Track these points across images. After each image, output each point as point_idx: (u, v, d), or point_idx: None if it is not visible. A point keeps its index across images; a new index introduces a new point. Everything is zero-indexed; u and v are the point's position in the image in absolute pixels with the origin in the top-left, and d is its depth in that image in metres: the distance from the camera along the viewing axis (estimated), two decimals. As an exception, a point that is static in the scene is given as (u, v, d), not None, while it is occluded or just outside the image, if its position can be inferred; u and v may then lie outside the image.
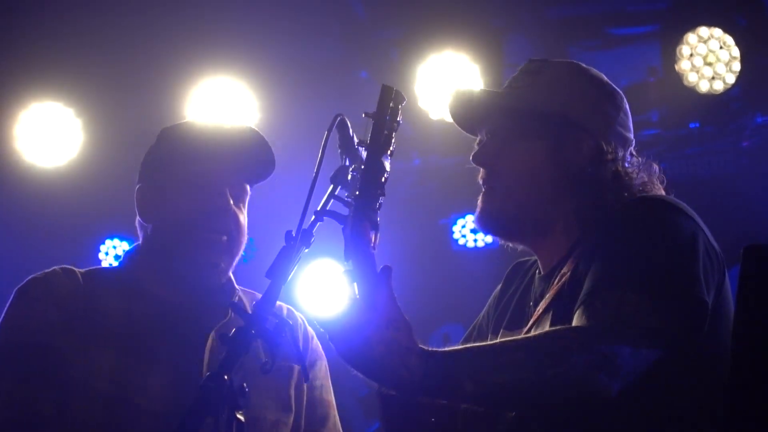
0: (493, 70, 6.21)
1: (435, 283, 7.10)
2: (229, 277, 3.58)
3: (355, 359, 2.50)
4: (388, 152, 2.65)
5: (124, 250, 3.68)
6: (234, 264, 3.55)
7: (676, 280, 2.71)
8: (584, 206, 3.04)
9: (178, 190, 3.49)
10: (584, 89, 3.16)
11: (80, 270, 3.53)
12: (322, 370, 3.68)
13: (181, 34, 6.51)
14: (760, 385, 2.14)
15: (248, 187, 3.56)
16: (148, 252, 3.57)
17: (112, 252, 7.45)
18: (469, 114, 3.24)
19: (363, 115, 2.68)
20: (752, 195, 6.68)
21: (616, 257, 2.76)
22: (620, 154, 3.08)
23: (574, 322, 2.70)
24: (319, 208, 2.78)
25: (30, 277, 3.50)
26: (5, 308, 3.44)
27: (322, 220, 2.76)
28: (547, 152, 3.07)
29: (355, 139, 2.87)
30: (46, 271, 3.53)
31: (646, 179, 3.09)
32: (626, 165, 3.09)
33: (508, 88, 3.22)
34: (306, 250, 2.79)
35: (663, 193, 3.11)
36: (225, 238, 3.44)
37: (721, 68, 6.07)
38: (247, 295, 3.65)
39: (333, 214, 2.71)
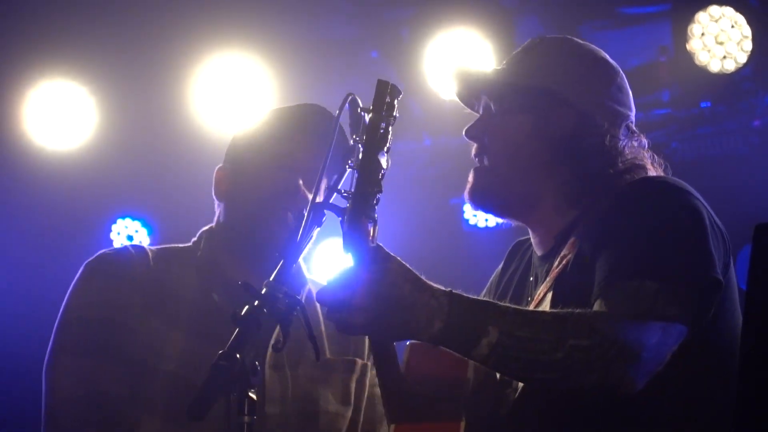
0: (505, 49, 6.19)
1: (446, 263, 7.07)
2: (298, 265, 3.56)
3: (384, 304, 2.51)
4: (385, 148, 2.64)
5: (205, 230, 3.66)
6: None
7: (690, 262, 2.71)
8: (569, 180, 3.05)
9: (255, 169, 3.54)
10: (572, 63, 3.17)
11: (151, 248, 3.56)
12: None
13: (194, 11, 6.51)
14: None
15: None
16: (221, 231, 3.59)
17: (124, 232, 7.46)
18: (467, 91, 3.28)
19: (358, 110, 2.67)
20: (763, 174, 6.67)
21: (627, 243, 2.75)
22: (606, 127, 3.07)
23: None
24: (320, 199, 2.80)
25: (101, 252, 3.53)
26: (74, 283, 3.45)
27: (323, 214, 2.76)
28: (531, 126, 3.10)
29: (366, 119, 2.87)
30: (117, 247, 3.59)
31: (635, 155, 3.08)
32: (617, 139, 3.08)
33: (504, 65, 3.25)
34: (318, 229, 2.80)
35: (652, 167, 3.10)
36: (291, 215, 3.43)
37: (732, 47, 6.06)
38: (315, 286, 3.65)
39: (332, 207, 2.71)
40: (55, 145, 6.90)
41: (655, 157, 3.14)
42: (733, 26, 6.05)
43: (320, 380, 3.49)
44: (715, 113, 6.74)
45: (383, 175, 2.62)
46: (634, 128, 3.15)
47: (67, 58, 6.74)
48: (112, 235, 7.46)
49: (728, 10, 6.05)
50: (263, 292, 2.62)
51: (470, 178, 3.18)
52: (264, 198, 3.46)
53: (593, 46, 3.25)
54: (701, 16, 6.06)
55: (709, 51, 6.07)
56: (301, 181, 3.46)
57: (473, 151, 3.19)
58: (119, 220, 7.48)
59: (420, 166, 7.39)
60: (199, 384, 3.06)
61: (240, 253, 3.51)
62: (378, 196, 2.62)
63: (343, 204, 2.67)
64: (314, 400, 3.47)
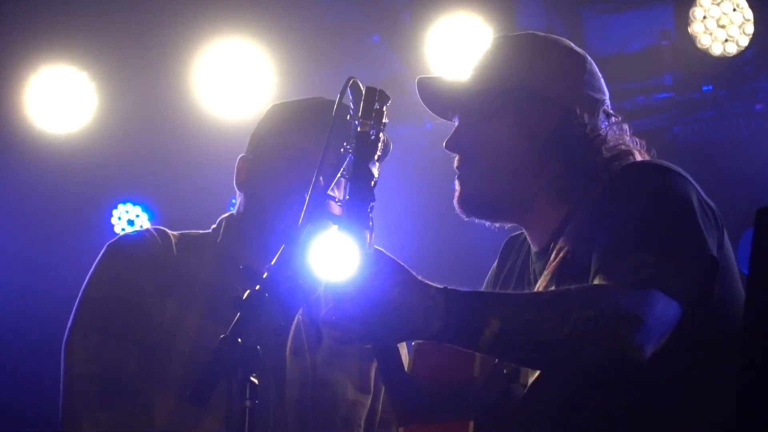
0: (506, 33, 6.18)
1: (448, 247, 7.09)
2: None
3: (377, 309, 2.49)
4: (375, 157, 2.62)
5: (227, 215, 3.68)
6: None
7: (685, 241, 2.72)
8: (558, 175, 3.04)
9: (274, 162, 3.55)
10: (543, 58, 3.15)
11: (173, 233, 3.58)
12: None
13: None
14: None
15: None
16: (240, 220, 3.62)
17: (125, 217, 7.47)
18: (440, 107, 3.27)
19: (348, 117, 2.65)
20: (765, 158, 6.66)
21: (624, 223, 2.75)
22: (588, 117, 3.06)
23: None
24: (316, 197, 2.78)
25: (122, 235, 3.62)
26: (95, 263, 3.49)
27: (315, 220, 2.74)
28: (514, 127, 3.08)
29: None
30: (138, 230, 3.65)
31: (618, 140, 3.07)
32: (599, 128, 3.07)
33: (472, 71, 3.21)
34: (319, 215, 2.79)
35: (637, 151, 3.09)
36: None
37: (734, 30, 6.04)
38: None
39: (328, 215, 2.69)
40: (57, 130, 6.90)
41: (637, 139, 3.13)
42: (735, 9, 6.04)
43: (339, 367, 3.51)
44: (717, 97, 6.72)
45: (375, 183, 2.60)
46: (611, 111, 3.14)
47: (68, 43, 6.75)
48: (113, 220, 7.46)
49: (730, -7, 6.05)
50: (264, 276, 2.62)
51: (456, 186, 3.18)
52: (282, 192, 3.47)
53: (555, 37, 3.24)
54: (703, 0, 6.05)
55: (710, 34, 6.05)
56: (321, 177, 3.48)
57: (455, 163, 3.19)
58: (120, 205, 7.48)
59: (421, 150, 7.37)
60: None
61: (256, 244, 3.52)
62: (371, 204, 2.60)
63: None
64: (333, 386, 3.49)
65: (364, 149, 2.60)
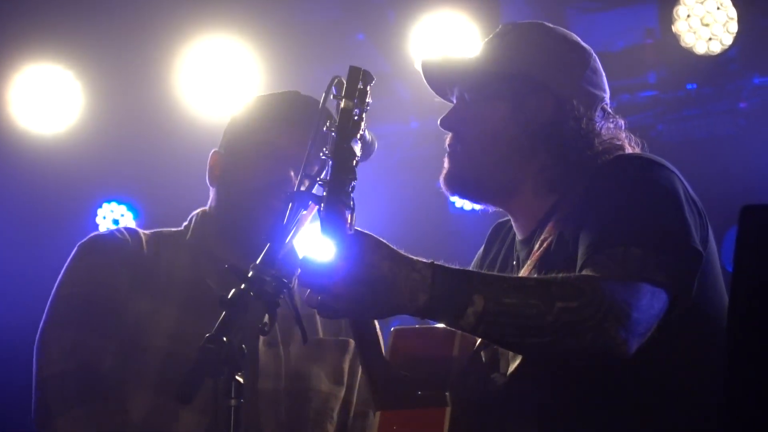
0: (491, 31, 6.17)
1: (433, 245, 7.09)
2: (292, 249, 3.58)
3: (365, 283, 2.50)
4: (358, 136, 2.62)
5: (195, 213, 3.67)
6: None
7: (672, 233, 2.73)
8: (548, 165, 3.05)
9: (246, 157, 3.54)
10: (548, 48, 3.16)
11: (144, 231, 3.58)
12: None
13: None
14: (760, 351, 2.13)
15: None
16: (213, 215, 3.62)
17: (110, 216, 7.45)
18: (440, 81, 3.27)
19: (331, 97, 2.65)
20: (750, 156, 6.68)
21: (610, 214, 2.76)
22: (584, 110, 3.07)
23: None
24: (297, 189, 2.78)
25: (93, 234, 3.58)
26: (67, 262, 3.48)
27: (307, 197, 2.74)
28: (509, 112, 3.09)
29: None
30: (111, 229, 3.63)
31: (612, 135, 3.08)
32: (594, 122, 3.07)
33: (478, 52, 3.23)
34: (304, 212, 2.79)
35: (630, 146, 3.10)
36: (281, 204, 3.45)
37: (718, 29, 6.06)
38: None
39: (310, 196, 2.70)
40: (41, 129, 6.88)
41: (632, 137, 3.14)
42: (718, 8, 6.06)
43: (313, 359, 3.51)
44: (702, 95, 6.75)
45: (357, 162, 2.60)
46: (609, 110, 3.15)
47: (53, 42, 6.72)
48: (98, 219, 7.45)
49: (714, -8, 6.06)
50: (250, 275, 2.62)
51: (446, 164, 3.17)
52: (255, 188, 3.48)
53: (565, 30, 3.24)
54: (687, -2, 6.07)
55: (694, 33, 6.07)
56: (292, 172, 3.47)
57: (447, 141, 3.19)
58: (105, 204, 7.47)
59: (406, 149, 7.38)
60: (192, 359, 3.08)
61: (229, 238, 3.53)
62: (353, 183, 2.60)
63: (321, 192, 2.66)
64: (306, 378, 3.49)
65: (347, 127, 2.60)
